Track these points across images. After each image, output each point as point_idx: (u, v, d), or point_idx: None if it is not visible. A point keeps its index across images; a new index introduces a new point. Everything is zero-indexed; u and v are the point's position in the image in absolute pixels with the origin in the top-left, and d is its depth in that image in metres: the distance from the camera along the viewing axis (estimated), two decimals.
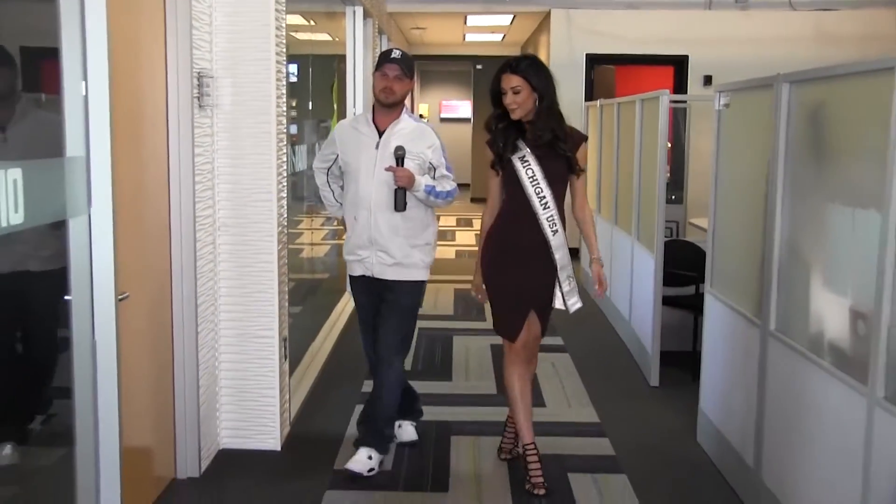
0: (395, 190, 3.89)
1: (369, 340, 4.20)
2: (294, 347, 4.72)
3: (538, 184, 3.75)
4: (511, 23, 11.71)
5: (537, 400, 4.92)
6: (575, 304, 3.89)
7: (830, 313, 3.07)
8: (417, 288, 4.10)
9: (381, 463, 4.05)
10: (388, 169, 3.88)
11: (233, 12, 4.03)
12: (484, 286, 3.96)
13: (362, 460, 3.98)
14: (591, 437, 4.51)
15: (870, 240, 2.65)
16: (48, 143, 2.91)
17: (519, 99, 3.72)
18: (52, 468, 3.23)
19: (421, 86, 19.41)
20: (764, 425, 3.54)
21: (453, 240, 11.96)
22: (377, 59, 4.01)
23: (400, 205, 3.91)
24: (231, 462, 4.12)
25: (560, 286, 3.86)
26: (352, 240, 4.06)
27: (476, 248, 4.08)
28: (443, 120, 20.36)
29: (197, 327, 3.88)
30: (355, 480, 3.92)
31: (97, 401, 2.99)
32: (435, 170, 4.01)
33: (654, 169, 5.44)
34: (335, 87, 8.09)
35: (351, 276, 4.19)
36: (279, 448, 4.26)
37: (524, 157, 3.77)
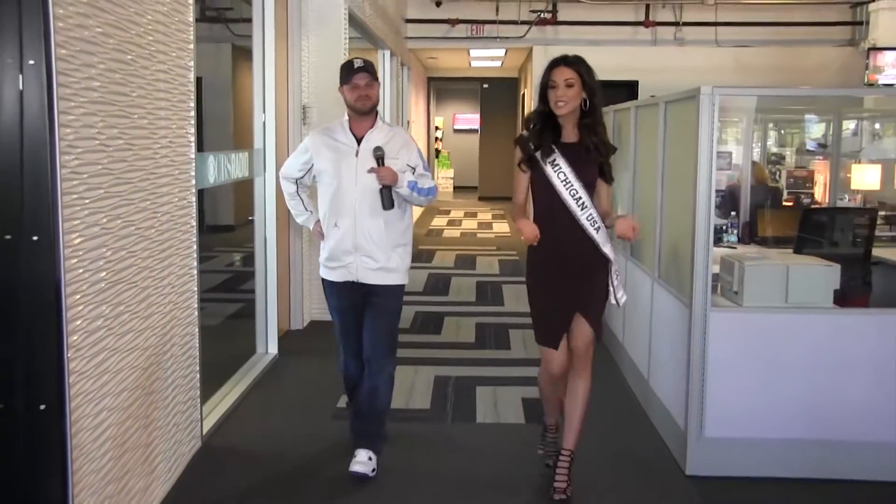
0: (381, 189, 3.89)
1: (350, 350, 4.21)
2: None
3: (572, 186, 3.67)
4: (505, 54, 14.80)
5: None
6: (622, 297, 3.86)
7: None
8: (400, 291, 4.15)
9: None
10: (371, 170, 3.88)
11: (320, 68, 7.10)
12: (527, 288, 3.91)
13: (364, 461, 4.06)
14: None
15: (654, 191, 5.71)
16: None
17: (571, 93, 3.61)
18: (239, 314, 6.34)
19: (437, 101, 21.92)
20: None
21: (460, 226, 15.04)
22: (341, 72, 4.00)
23: (387, 203, 3.90)
24: (318, 326, 7.18)
25: (611, 281, 3.83)
26: (332, 246, 4.07)
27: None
28: (456, 130, 23.08)
29: (302, 243, 6.96)
30: (362, 481, 4.02)
31: (267, 271, 6.08)
32: (414, 170, 4.01)
33: None
34: None
35: (329, 282, 4.15)
36: None
37: (554, 160, 3.68)
